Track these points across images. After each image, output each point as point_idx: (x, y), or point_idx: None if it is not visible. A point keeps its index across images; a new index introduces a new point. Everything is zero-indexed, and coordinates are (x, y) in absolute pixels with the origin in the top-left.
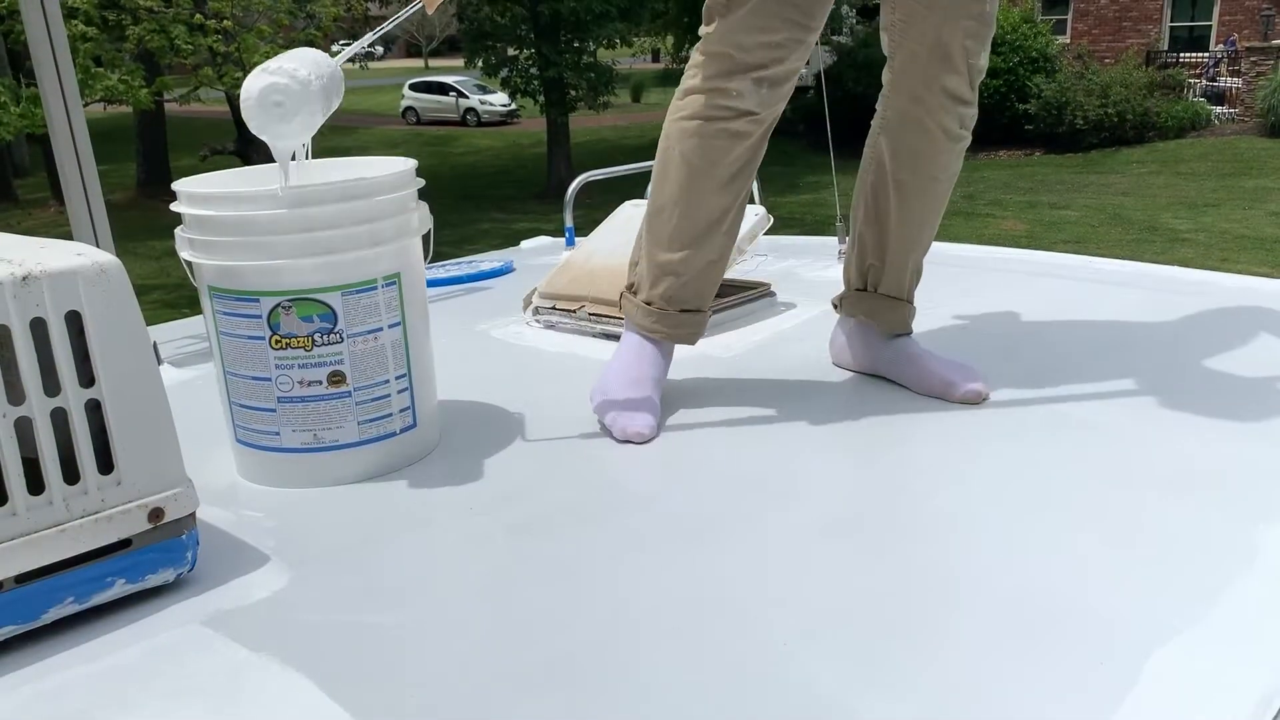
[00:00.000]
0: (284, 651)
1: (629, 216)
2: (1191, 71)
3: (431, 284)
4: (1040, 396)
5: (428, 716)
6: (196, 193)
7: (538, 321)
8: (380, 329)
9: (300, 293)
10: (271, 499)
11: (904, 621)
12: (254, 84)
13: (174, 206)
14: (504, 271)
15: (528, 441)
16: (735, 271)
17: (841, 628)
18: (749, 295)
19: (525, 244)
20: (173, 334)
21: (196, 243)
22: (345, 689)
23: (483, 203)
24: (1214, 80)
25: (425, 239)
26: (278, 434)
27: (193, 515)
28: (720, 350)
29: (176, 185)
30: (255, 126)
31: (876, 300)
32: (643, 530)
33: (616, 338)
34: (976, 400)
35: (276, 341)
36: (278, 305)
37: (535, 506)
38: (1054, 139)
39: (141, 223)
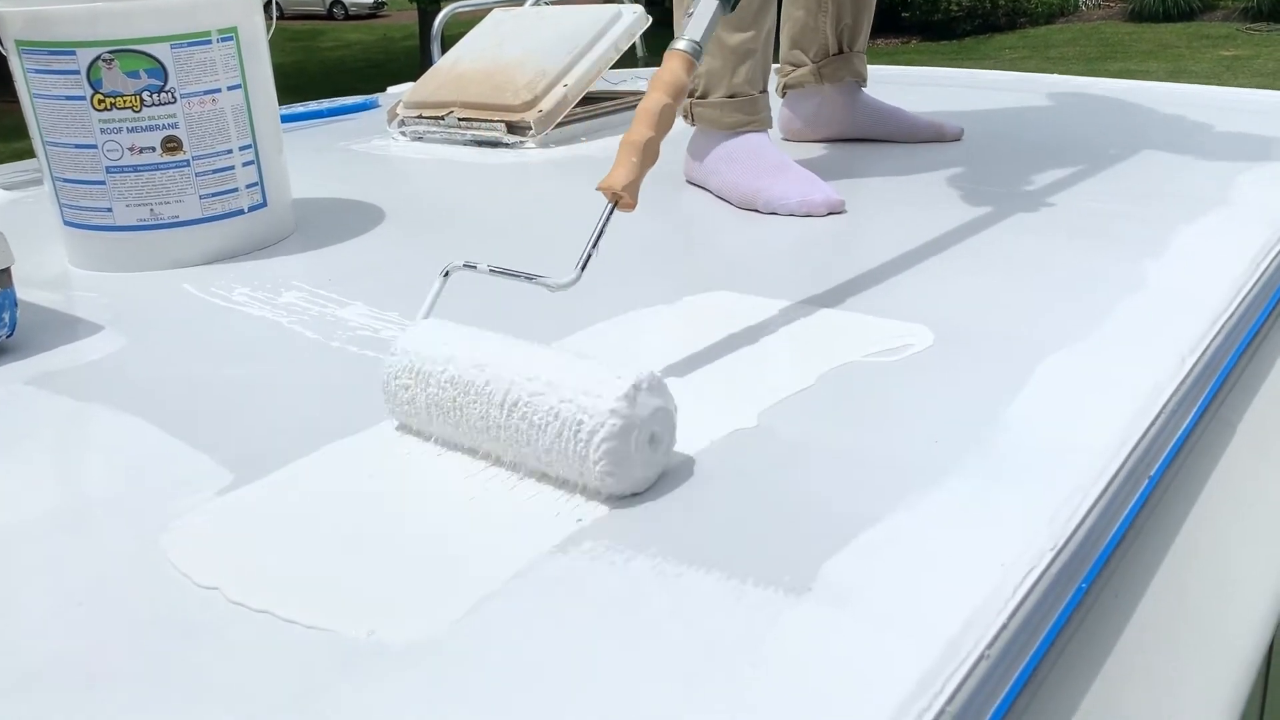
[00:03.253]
0: (116, 400)
1: (499, 21)
2: None
3: (287, 119)
4: (935, 170)
5: (267, 454)
6: None
7: (403, 134)
8: (218, 90)
9: (122, 43)
10: (108, 282)
11: (826, 351)
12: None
13: None
14: (368, 106)
15: (395, 228)
16: (602, 84)
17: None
18: (629, 101)
19: (392, 89)
20: (11, 170)
21: None
22: (182, 427)
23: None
24: None
25: (267, 6)
26: (109, 210)
27: (7, 272)
28: (598, 151)
29: None
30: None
31: (853, 57)
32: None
33: (489, 144)
34: (960, 135)
35: (99, 101)
36: (98, 58)
37: (401, 275)
38: (929, 27)
39: None
